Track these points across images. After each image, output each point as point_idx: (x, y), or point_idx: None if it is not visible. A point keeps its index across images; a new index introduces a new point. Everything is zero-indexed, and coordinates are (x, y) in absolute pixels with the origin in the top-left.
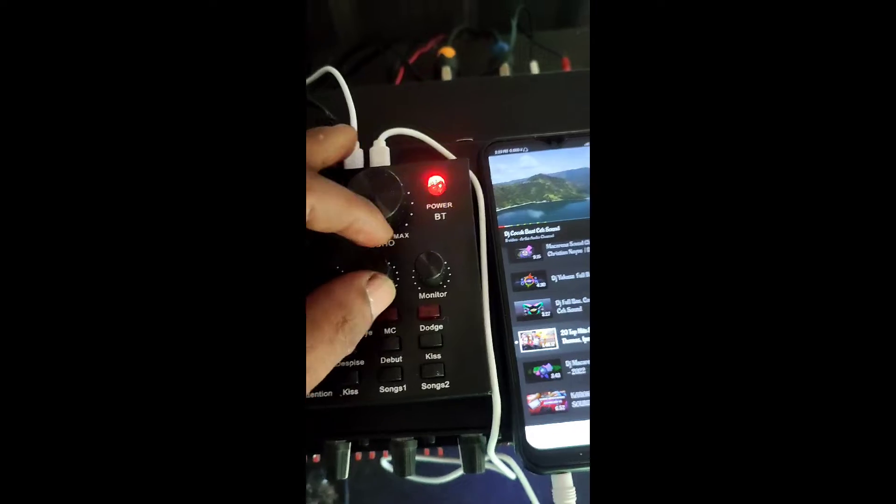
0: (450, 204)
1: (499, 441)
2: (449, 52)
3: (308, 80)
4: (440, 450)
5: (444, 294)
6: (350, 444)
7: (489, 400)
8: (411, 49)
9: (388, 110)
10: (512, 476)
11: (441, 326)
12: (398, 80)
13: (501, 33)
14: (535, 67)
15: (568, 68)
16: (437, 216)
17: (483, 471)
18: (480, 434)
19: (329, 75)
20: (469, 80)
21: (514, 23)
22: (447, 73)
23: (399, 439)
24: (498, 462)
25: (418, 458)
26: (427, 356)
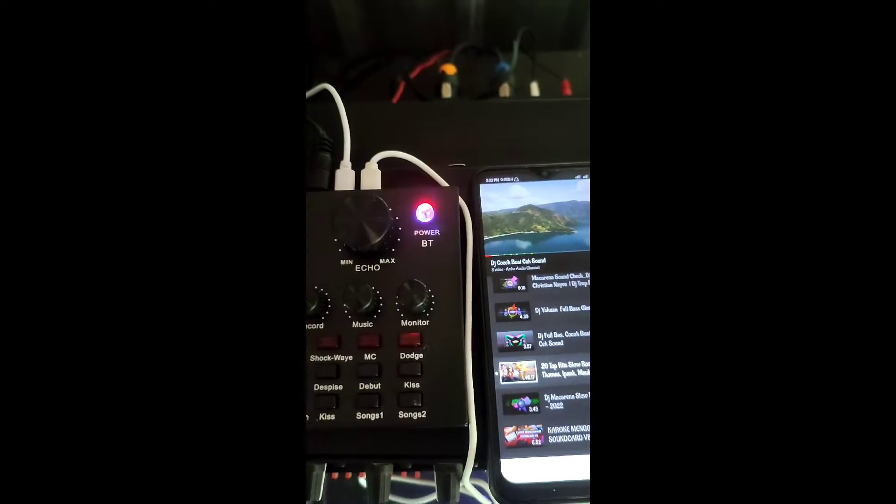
0: (437, 232)
1: (475, 468)
2: (450, 69)
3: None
4: (417, 472)
5: (427, 322)
6: (325, 465)
7: (465, 432)
8: (415, 63)
9: (385, 129)
10: None
11: (421, 355)
12: (398, 95)
13: (504, 52)
14: (535, 88)
15: (568, 91)
16: (423, 243)
17: (457, 500)
18: (457, 463)
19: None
20: (466, 103)
21: (515, 44)
22: (447, 90)
23: (375, 464)
24: (474, 491)
25: (396, 478)
26: (406, 385)
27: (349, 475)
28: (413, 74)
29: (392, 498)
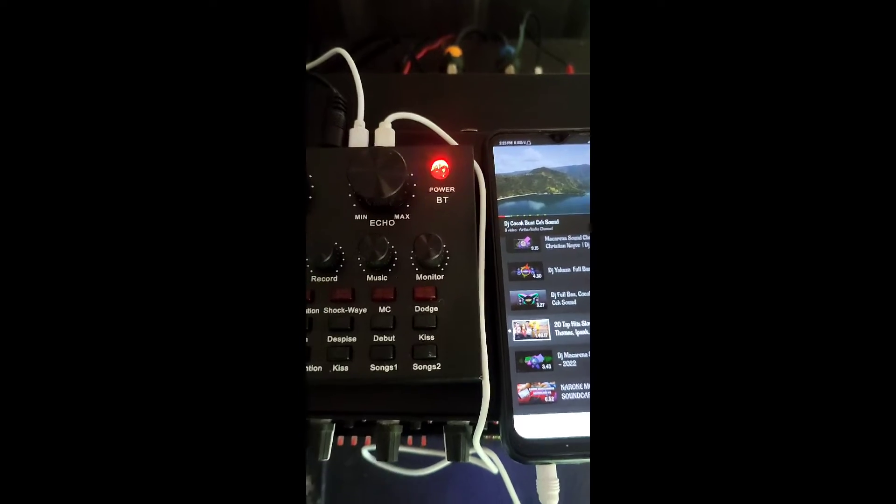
0: (452, 189)
1: (484, 434)
2: (456, 51)
3: (316, 62)
4: (423, 439)
5: (442, 277)
6: (334, 425)
7: (478, 387)
8: (419, 45)
9: (395, 97)
10: (494, 470)
11: (436, 308)
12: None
13: (509, 37)
14: (539, 73)
15: None
16: (438, 199)
17: (467, 460)
18: (467, 423)
19: (340, 58)
20: (475, 76)
21: (522, 28)
22: (453, 71)
23: (384, 422)
24: (482, 453)
25: (402, 449)
26: (420, 337)
27: (355, 440)
28: (419, 56)
29: (396, 470)
